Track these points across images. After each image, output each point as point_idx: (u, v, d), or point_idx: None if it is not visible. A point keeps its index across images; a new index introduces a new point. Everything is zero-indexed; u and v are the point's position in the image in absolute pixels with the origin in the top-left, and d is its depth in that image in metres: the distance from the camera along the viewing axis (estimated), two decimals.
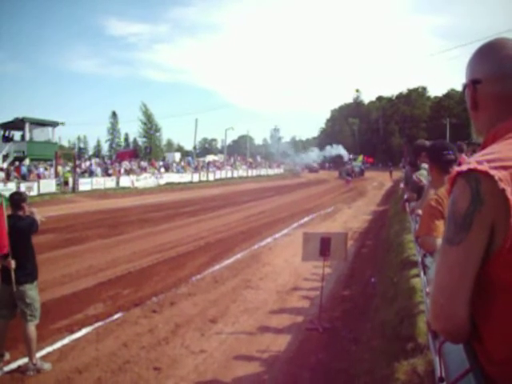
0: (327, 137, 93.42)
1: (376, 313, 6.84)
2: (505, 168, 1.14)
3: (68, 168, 35.72)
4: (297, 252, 9.12)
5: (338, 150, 71.73)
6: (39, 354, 5.78)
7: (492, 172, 1.13)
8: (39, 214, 6.05)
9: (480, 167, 1.15)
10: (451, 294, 1.17)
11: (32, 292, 5.67)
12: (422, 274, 4.38)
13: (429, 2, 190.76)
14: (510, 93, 1.32)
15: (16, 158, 33.60)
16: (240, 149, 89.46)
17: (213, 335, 6.72)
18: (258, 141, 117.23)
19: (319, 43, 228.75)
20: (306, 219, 19.05)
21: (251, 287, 9.07)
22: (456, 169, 1.22)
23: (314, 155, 75.93)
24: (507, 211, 1.11)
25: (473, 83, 1.39)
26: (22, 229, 5.66)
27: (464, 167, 1.18)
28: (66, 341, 6.41)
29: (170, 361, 5.86)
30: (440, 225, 3.16)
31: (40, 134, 36.60)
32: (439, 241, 3.01)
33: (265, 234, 15.34)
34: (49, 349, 6.13)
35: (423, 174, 6.76)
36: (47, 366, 5.57)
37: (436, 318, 1.22)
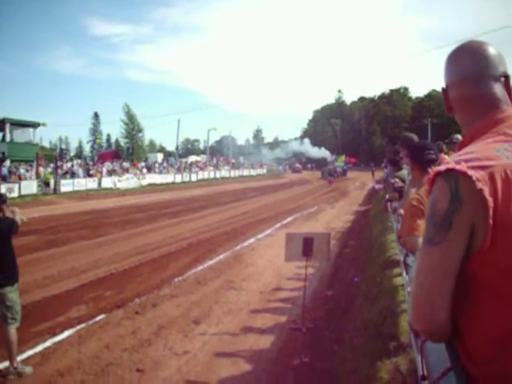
0: (309, 137, 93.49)
1: (359, 312, 6.87)
2: (482, 168, 1.15)
3: (49, 169, 35.37)
4: (280, 252, 9.12)
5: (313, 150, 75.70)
6: (20, 358, 5.69)
7: (470, 172, 1.14)
8: (21, 214, 5.98)
9: (458, 167, 1.16)
10: (432, 294, 1.18)
11: (13, 295, 5.58)
12: (404, 273, 4.42)
13: (413, 3, 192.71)
14: (472, 95, 1.38)
15: None
16: (223, 149, 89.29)
17: (196, 336, 6.69)
18: (241, 141, 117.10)
19: (302, 44, 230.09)
20: (289, 219, 19.10)
21: (234, 288, 9.05)
22: (435, 169, 1.23)
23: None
24: (486, 211, 1.13)
25: (444, 89, 1.47)
26: (2, 231, 5.58)
27: (442, 167, 1.20)
28: (47, 343, 6.34)
29: (153, 362, 5.83)
30: (422, 224, 3.18)
31: (21, 135, 36.09)
32: (421, 240, 3.04)
33: (248, 234, 15.34)
34: (30, 352, 6.04)
35: (404, 174, 6.82)
36: (28, 369, 5.50)
37: (417, 318, 1.23)
